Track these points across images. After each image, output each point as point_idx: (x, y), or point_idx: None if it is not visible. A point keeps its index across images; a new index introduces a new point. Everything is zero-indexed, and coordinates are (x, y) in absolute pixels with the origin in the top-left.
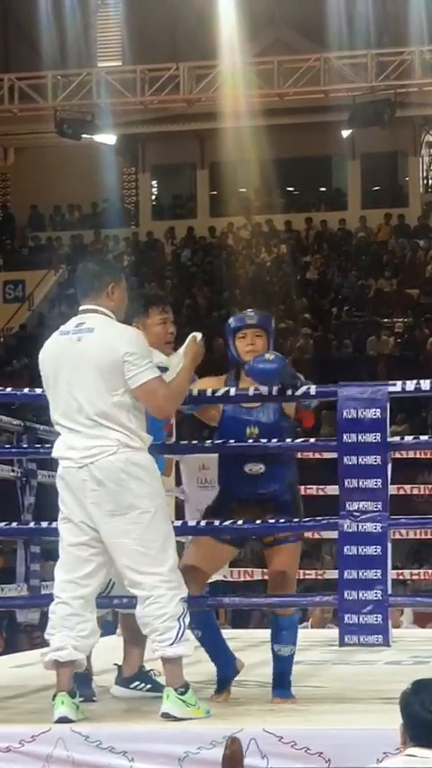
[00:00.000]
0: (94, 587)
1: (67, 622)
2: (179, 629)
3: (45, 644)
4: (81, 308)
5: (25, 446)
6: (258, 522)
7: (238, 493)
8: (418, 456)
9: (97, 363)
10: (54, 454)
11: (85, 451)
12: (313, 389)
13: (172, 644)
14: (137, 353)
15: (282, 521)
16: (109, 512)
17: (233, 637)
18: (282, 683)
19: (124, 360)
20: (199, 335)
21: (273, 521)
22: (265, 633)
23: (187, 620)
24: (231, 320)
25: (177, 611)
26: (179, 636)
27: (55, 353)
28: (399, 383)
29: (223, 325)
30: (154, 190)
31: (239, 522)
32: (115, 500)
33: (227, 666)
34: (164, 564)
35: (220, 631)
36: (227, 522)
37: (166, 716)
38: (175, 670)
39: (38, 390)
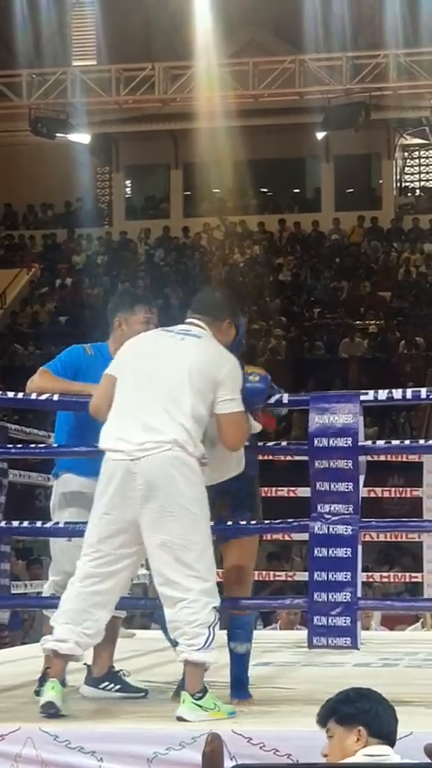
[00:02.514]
0: (114, 587)
1: (77, 617)
2: (208, 636)
3: (13, 644)
4: (189, 320)
5: None
6: (229, 522)
7: None
8: (388, 459)
9: (192, 366)
10: (102, 445)
11: (139, 446)
12: (286, 398)
13: (198, 650)
14: (235, 382)
15: (253, 523)
16: (155, 507)
17: None
18: (239, 682)
19: (221, 381)
20: None
21: (243, 522)
22: None
23: (217, 629)
24: None
25: (209, 618)
26: (207, 643)
27: (145, 343)
28: (371, 392)
29: None
30: (128, 189)
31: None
32: (164, 496)
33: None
34: (202, 569)
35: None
36: None
37: (181, 719)
38: (195, 675)
39: (10, 394)
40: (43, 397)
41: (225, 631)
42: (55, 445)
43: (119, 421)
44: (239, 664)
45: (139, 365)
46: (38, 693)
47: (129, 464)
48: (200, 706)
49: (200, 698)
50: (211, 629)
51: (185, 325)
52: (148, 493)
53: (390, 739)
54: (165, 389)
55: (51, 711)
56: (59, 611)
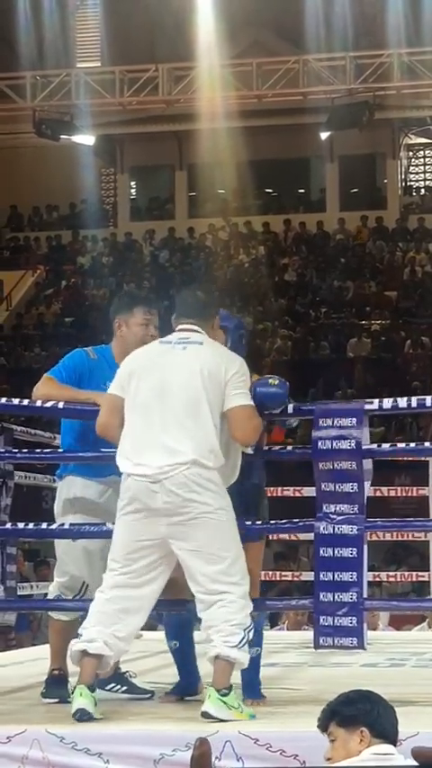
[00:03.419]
0: (145, 595)
1: (106, 620)
2: (243, 638)
3: (20, 646)
4: (183, 327)
5: (1, 449)
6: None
7: None
8: (395, 459)
9: (202, 374)
10: (121, 468)
11: (159, 469)
12: (290, 408)
13: (233, 647)
14: (243, 378)
15: (258, 523)
16: (182, 521)
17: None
18: (252, 683)
19: (230, 379)
20: None
21: (248, 522)
22: None
23: (251, 634)
24: None
25: (246, 622)
26: (241, 643)
27: (149, 357)
28: (376, 402)
29: None
30: (132, 191)
31: None
32: (188, 510)
33: (189, 683)
34: (237, 574)
35: (194, 648)
36: None
37: (206, 715)
38: (224, 671)
39: (15, 401)
40: (49, 404)
41: None
42: (60, 450)
43: (136, 443)
44: (251, 665)
45: (147, 383)
46: (44, 695)
47: (150, 485)
48: (225, 703)
49: (225, 695)
50: (247, 632)
51: (181, 332)
52: (172, 510)
53: (392, 739)
54: (180, 404)
55: (84, 718)
56: (87, 618)
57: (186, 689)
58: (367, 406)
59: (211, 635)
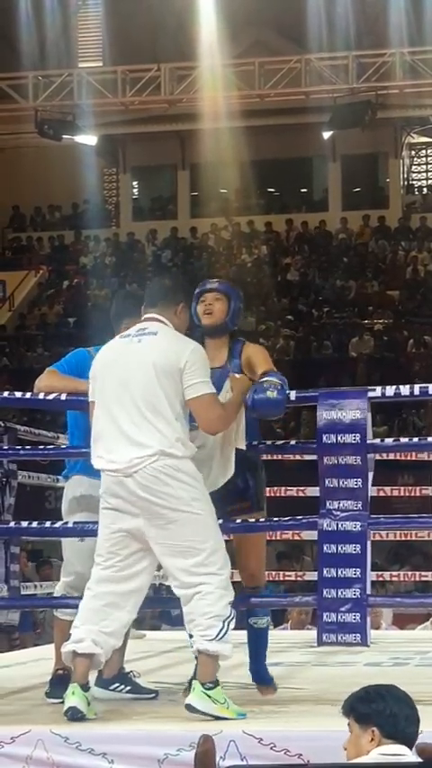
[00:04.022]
0: (131, 590)
1: (93, 616)
2: (222, 629)
3: (24, 646)
4: (146, 316)
5: (5, 447)
6: (238, 520)
7: None
8: (398, 458)
9: (155, 363)
10: (96, 466)
11: (128, 462)
12: (293, 395)
13: (211, 640)
14: (198, 365)
15: (261, 520)
16: (157, 517)
17: None
18: (258, 662)
19: (185, 368)
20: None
21: (252, 520)
22: (244, 634)
23: (233, 624)
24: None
25: (224, 612)
26: (220, 635)
27: (110, 354)
28: (378, 389)
29: None
30: (135, 190)
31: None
32: (162, 506)
33: None
34: (214, 566)
35: None
36: None
37: (189, 708)
38: (207, 664)
39: (17, 394)
40: (51, 396)
41: (240, 631)
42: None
43: (104, 439)
44: (260, 637)
45: (110, 381)
46: (48, 695)
47: (123, 479)
48: (209, 696)
49: (210, 688)
50: (226, 623)
51: (143, 323)
52: (146, 505)
53: (407, 739)
54: (139, 397)
55: (77, 716)
56: (78, 615)
57: None
58: (370, 393)
59: (191, 630)
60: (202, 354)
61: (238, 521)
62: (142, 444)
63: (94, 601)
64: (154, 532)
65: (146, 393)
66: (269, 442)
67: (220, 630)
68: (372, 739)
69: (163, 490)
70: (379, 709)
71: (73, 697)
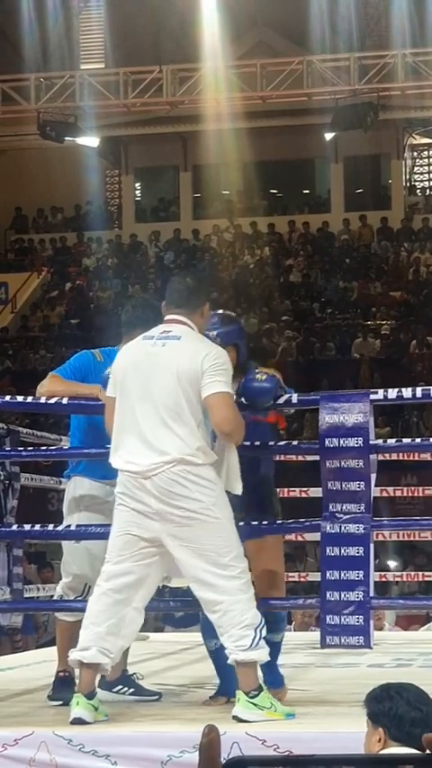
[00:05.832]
0: (139, 587)
1: (101, 616)
2: (254, 637)
3: (26, 648)
4: (168, 317)
5: (8, 449)
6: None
7: None
8: (401, 458)
9: (179, 370)
10: (114, 464)
11: (147, 467)
12: (295, 398)
13: (246, 650)
14: (219, 367)
15: (265, 523)
16: (176, 520)
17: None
18: (271, 669)
19: (206, 369)
20: None
21: (255, 522)
22: None
23: (264, 631)
24: None
25: (255, 620)
26: (254, 643)
27: (134, 355)
28: (380, 391)
29: None
30: (137, 192)
31: None
32: (181, 509)
33: (230, 687)
34: (236, 569)
35: None
36: None
37: (236, 719)
38: (247, 674)
39: (20, 398)
40: (53, 400)
41: None
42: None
43: (124, 441)
44: (272, 650)
45: (133, 384)
46: (51, 698)
47: (142, 481)
48: (255, 704)
49: (254, 696)
50: (258, 631)
51: (166, 324)
52: (164, 509)
53: (414, 742)
54: (161, 405)
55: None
56: (85, 615)
57: (224, 694)
58: (372, 396)
59: (224, 641)
60: (225, 358)
61: (241, 524)
62: (162, 452)
63: (102, 599)
64: (173, 536)
65: (168, 400)
66: (272, 443)
67: (253, 639)
68: (379, 739)
69: (181, 493)
70: (386, 710)
71: (77, 708)
